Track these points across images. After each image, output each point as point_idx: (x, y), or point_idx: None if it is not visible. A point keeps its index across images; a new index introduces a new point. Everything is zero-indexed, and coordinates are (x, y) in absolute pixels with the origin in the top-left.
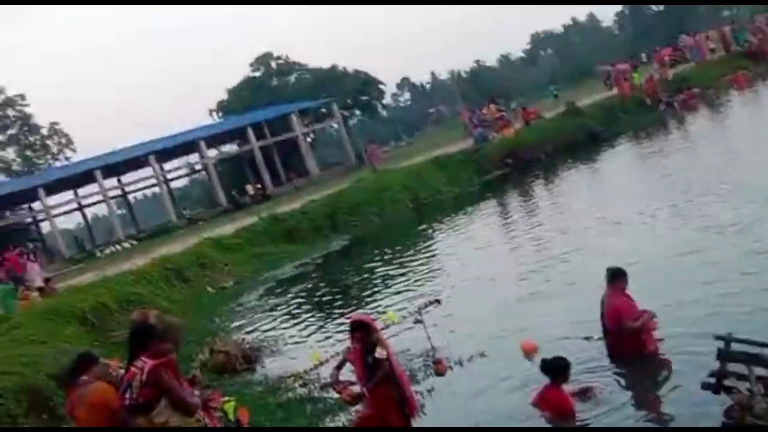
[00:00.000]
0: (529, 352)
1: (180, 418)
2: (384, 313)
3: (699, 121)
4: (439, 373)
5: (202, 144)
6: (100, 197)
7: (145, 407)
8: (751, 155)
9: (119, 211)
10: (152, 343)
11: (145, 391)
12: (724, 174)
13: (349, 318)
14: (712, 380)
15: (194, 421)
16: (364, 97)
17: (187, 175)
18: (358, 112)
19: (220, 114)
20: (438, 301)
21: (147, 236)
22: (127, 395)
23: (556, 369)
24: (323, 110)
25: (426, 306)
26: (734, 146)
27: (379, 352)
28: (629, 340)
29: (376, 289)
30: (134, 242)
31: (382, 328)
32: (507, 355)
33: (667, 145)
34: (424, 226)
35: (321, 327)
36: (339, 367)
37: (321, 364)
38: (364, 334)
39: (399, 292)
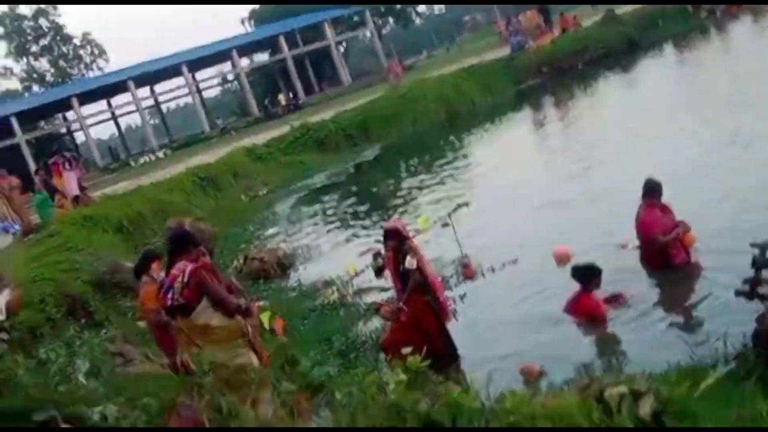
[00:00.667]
0: (561, 260)
1: (221, 320)
2: (417, 218)
3: (740, 31)
4: (468, 277)
5: (235, 53)
6: (133, 107)
7: (185, 308)
8: None
9: (152, 121)
10: (190, 248)
11: (187, 292)
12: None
13: (382, 226)
14: (746, 287)
15: (235, 323)
16: (398, 5)
17: (219, 84)
18: (391, 21)
19: (253, 23)
20: (467, 204)
21: (180, 146)
22: (170, 296)
23: (587, 275)
24: (356, 19)
25: (456, 209)
26: None
27: (409, 262)
28: (659, 253)
29: (408, 197)
30: (167, 152)
31: (414, 235)
32: (539, 262)
33: (706, 56)
34: (457, 136)
35: (353, 235)
36: (378, 272)
37: (357, 274)
38: (396, 241)
39: (431, 201)
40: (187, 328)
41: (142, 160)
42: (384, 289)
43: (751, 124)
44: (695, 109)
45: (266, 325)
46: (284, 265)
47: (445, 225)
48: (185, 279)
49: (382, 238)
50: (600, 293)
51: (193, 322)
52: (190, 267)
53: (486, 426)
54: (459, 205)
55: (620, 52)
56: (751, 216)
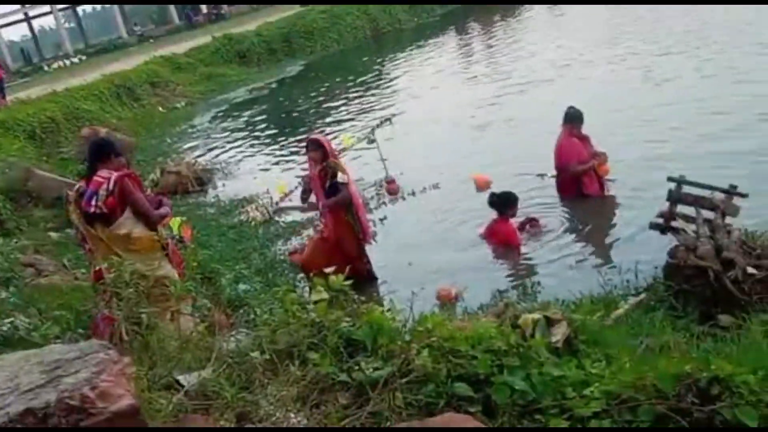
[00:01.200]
0: (482, 186)
1: (142, 230)
2: (340, 135)
3: None
4: (391, 193)
5: None
6: (47, 8)
7: (107, 217)
8: None
9: (67, 24)
10: (112, 157)
11: (111, 200)
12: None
13: (306, 138)
14: (660, 221)
15: (154, 234)
16: None
17: None
18: None
19: None
20: (389, 120)
21: (96, 52)
22: (93, 203)
23: (504, 203)
24: None
25: (379, 125)
26: None
27: (341, 177)
28: (571, 180)
29: (330, 116)
30: (83, 57)
31: (338, 152)
32: (459, 188)
33: None
34: (382, 55)
35: (274, 151)
36: (305, 195)
37: (286, 195)
38: (319, 153)
39: (353, 119)
40: (108, 238)
41: (56, 65)
42: (304, 209)
43: (669, 61)
44: (618, 43)
45: (175, 232)
46: (202, 180)
47: (372, 141)
48: (110, 187)
49: (304, 149)
50: (516, 220)
51: (114, 232)
52: (115, 175)
53: (406, 345)
54: (383, 120)
55: None
56: (666, 151)
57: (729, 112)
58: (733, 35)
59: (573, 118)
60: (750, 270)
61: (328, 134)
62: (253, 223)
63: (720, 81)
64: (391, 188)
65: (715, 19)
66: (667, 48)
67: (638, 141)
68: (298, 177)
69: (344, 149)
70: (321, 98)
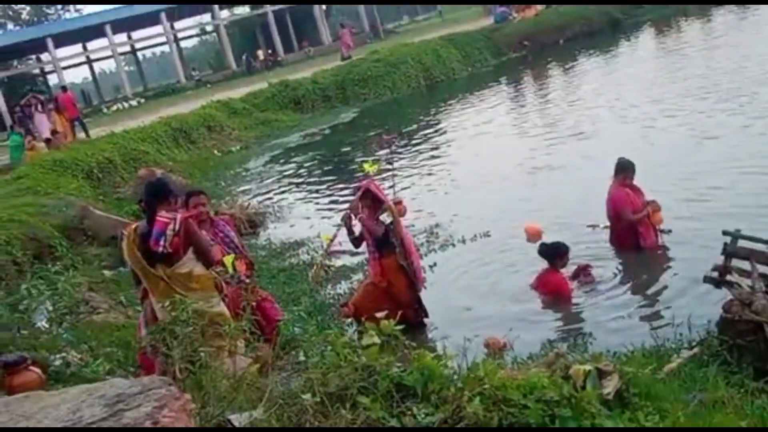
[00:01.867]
0: (533, 236)
1: (202, 269)
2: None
3: (726, 16)
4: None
5: (216, 5)
6: (108, 52)
7: (170, 257)
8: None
9: (127, 68)
10: (170, 198)
11: (176, 240)
12: (738, 79)
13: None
14: (715, 274)
15: (212, 273)
16: None
17: (197, 35)
18: None
19: None
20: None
21: (154, 95)
22: (161, 242)
23: (555, 253)
24: None
25: (390, 146)
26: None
27: (384, 218)
28: (628, 231)
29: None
30: (141, 100)
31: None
32: (511, 237)
33: (688, 40)
34: (435, 104)
35: (326, 196)
36: (355, 242)
37: (331, 241)
38: (369, 201)
39: (405, 168)
40: (169, 277)
41: (115, 107)
42: (354, 253)
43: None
44: (671, 95)
45: (229, 269)
46: (254, 223)
47: (389, 163)
48: (176, 227)
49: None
50: (568, 270)
51: (176, 271)
52: (180, 215)
53: (458, 392)
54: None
55: (602, 31)
56: (721, 204)
57: None
58: None
59: (624, 168)
60: None
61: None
62: (302, 265)
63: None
64: (400, 209)
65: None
66: (713, 105)
67: (692, 192)
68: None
69: (367, 175)
70: (371, 147)
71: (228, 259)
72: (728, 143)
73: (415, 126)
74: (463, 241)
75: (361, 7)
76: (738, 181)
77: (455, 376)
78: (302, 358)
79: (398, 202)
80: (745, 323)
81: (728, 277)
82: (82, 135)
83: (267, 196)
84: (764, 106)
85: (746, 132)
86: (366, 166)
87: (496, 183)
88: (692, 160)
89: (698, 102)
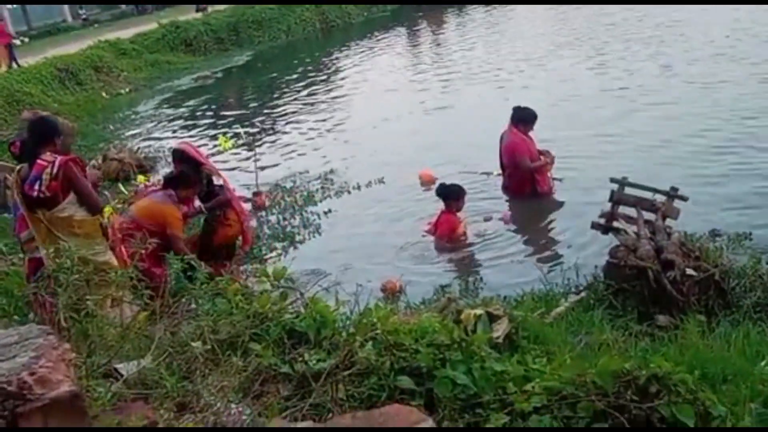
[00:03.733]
0: (427, 182)
1: (84, 215)
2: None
3: None
4: (259, 207)
5: None
6: None
7: (50, 201)
8: None
9: (9, 6)
10: (55, 140)
11: (54, 184)
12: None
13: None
14: (602, 221)
15: (96, 219)
16: None
17: None
18: None
19: None
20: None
21: (39, 35)
22: (36, 187)
23: (451, 193)
24: None
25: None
26: None
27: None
28: (524, 179)
29: (273, 108)
30: (25, 39)
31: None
32: (405, 183)
33: None
34: (331, 49)
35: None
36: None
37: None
38: (185, 165)
39: (296, 113)
40: (49, 221)
41: None
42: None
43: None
44: (567, 44)
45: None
46: (144, 167)
47: (250, 147)
48: (54, 171)
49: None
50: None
51: (55, 215)
52: (59, 158)
53: (350, 338)
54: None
55: None
56: (610, 148)
57: (678, 118)
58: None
59: (524, 119)
60: (689, 271)
61: (268, 129)
62: None
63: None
64: (258, 202)
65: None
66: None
67: (585, 139)
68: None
69: (222, 151)
70: (265, 91)
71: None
72: (627, 94)
73: (308, 71)
74: (358, 188)
75: None
76: (632, 131)
77: (348, 322)
78: (193, 306)
79: (257, 194)
80: (630, 268)
81: (615, 224)
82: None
83: (158, 139)
84: (662, 59)
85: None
86: (221, 140)
87: (390, 127)
88: (588, 109)
89: (603, 49)
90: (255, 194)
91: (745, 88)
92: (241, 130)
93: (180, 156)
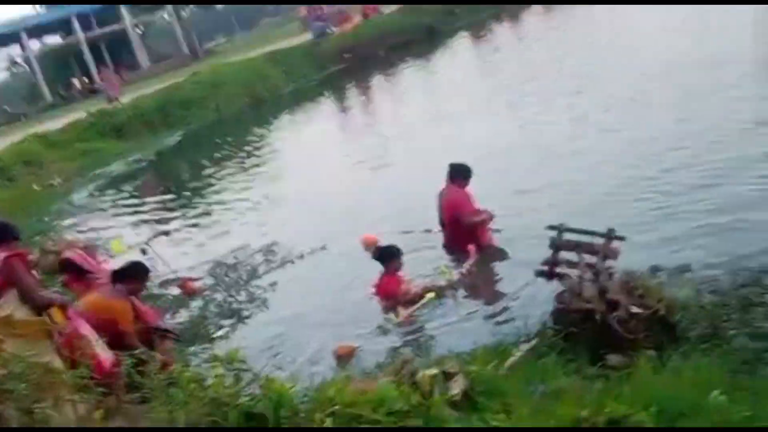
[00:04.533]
0: (369, 245)
1: (27, 313)
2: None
3: (535, 19)
4: (189, 294)
5: (24, 35)
6: None
7: None
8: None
9: None
10: (10, 240)
11: None
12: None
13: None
14: (545, 268)
15: (42, 320)
16: None
17: (7, 69)
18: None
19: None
20: (167, 233)
21: None
22: None
23: (388, 255)
24: None
25: (156, 236)
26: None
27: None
28: (466, 234)
29: (207, 186)
30: None
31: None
32: (347, 249)
33: (500, 43)
34: (261, 123)
35: (153, 226)
36: None
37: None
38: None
39: (230, 188)
40: None
41: None
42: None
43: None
44: (495, 96)
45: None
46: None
47: (144, 252)
48: None
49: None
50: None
51: None
52: (2, 255)
53: (309, 416)
54: (160, 233)
55: (420, 40)
56: (543, 197)
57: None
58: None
59: (460, 173)
60: (634, 309)
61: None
62: None
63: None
64: (186, 289)
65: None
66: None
67: (516, 191)
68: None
69: (113, 256)
70: (197, 171)
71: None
72: (547, 142)
73: (240, 146)
74: (302, 257)
75: (178, 29)
76: (557, 182)
77: (305, 398)
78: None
79: (186, 281)
80: (577, 312)
81: (558, 270)
82: None
83: (94, 228)
84: (576, 109)
85: (562, 130)
86: (113, 244)
87: (326, 193)
88: (514, 160)
89: (519, 104)
90: (184, 281)
91: (661, 132)
92: (164, 226)
93: (66, 266)
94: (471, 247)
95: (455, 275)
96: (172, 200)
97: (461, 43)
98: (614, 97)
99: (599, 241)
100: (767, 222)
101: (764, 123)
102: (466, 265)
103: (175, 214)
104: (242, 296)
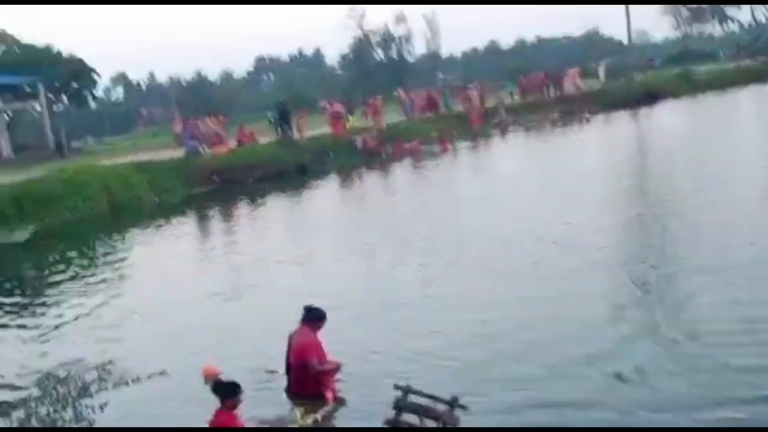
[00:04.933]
0: (210, 377)
1: None
2: None
3: (404, 172)
4: None
5: None
6: None
7: None
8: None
9: None
10: None
11: None
12: (422, 224)
13: None
14: (387, 427)
15: None
16: (75, 85)
17: None
18: (66, 99)
19: None
20: None
21: None
22: None
23: (227, 391)
24: (28, 89)
25: None
26: (431, 199)
27: None
28: (311, 380)
29: (48, 289)
30: None
31: None
32: (187, 377)
33: (368, 190)
34: (119, 231)
35: None
36: None
37: None
38: None
39: (73, 296)
40: None
41: None
42: None
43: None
44: (355, 241)
45: None
46: None
47: None
48: None
49: None
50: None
51: None
52: None
53: None
54: None
55: (291, 174)
56: (403, 353)
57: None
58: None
59: (315, 318)
60: None
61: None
62: None
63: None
64: None
65: None
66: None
67: (379, 340)
68: None
69: None
70: (44, 269)
71: None
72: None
73: (91, 251)
74: (138, 380)
75: (48, 122)
76: (403, 329)
77: None
78: None
79: None
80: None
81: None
82: None
83: None
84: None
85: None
86: None
87: (174, 315)
88: (378, 308)
89: (374, 253)
90: None
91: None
92: None
93: None
94: (329, 394)
95: (308, 421)
96: (6, 298)
97: (331, 184)
98: (460, 262)
99: (442, 407)
100: None
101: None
102: (321, 413)
103: (8, 315)
104: (68, 414)
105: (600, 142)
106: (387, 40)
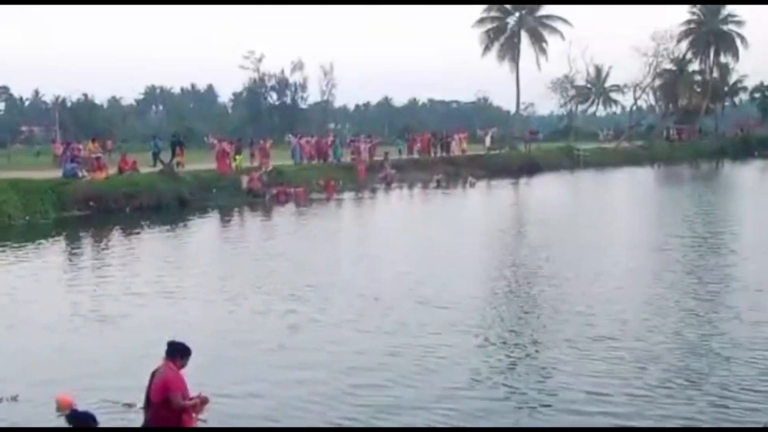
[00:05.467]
0: (64, 407)
1: None
2: None
3: (285, 216)
4: None
5: None
6: None
7: None
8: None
9: None
10: None
11: None
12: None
13: None
14: None
15: None
16: None
17: None
18: None
19: None
20: None
21: None
22: None
23: (81, 422)
24: None
25: None
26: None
27: None
28: (171, 416)
29: None
30: None
31: None
32: (40, 407)
33: (247, 231)
34: None
35: None
36: None
37: None
38: None
39: None
40: None
41: None
42: None
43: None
44: (225, 279)
45: None
46: None
47: None
48: None
49: None
50: None
51: None
52: None
53: None
54: None
55: (170, 207)
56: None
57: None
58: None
59: (179, 353)
60: None
61: None
62: None
63: None
64: None
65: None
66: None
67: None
68: None
69: None
70: None
71: None
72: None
73: None
74: None
75: None
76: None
77: None
78: None
79: None
80: None
81: None
82: None
83: None
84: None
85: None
86: None
87: (32, 339)
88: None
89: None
90: None
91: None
92: None
93: None
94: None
95: None
96: None
97: (210, 221)
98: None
99: None
100: None
101: None
102: None
103: None
104: None
105: (480, 206)
106: (282, 84)
